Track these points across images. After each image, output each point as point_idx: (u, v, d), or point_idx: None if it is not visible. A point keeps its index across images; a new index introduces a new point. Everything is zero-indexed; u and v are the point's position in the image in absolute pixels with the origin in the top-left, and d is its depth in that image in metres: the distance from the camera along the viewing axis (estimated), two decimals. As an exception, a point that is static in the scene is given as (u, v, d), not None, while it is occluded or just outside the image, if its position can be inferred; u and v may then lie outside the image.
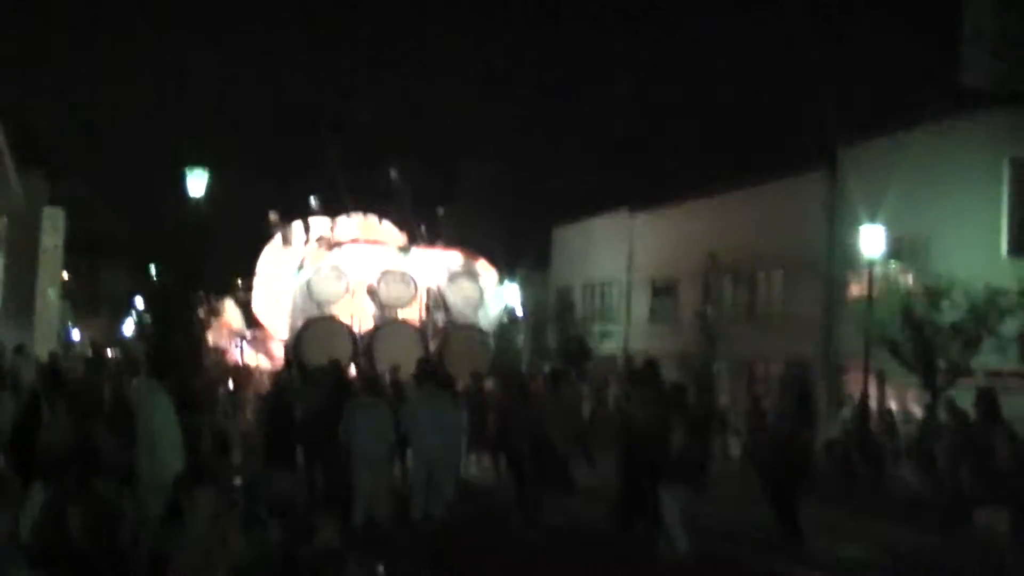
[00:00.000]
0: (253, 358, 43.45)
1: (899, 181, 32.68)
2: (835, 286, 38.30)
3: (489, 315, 35.19)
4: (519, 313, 51.81)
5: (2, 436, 15.56)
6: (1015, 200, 31.13)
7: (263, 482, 11.70)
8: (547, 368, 37.35)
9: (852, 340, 33.22)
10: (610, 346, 49.06)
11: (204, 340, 35.97)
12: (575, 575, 15.11)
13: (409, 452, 20.03)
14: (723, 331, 41.63)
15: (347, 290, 33.27)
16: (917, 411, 33.14)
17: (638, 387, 19.69)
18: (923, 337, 28.62)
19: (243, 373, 40.94)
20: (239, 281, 57.30)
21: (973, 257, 30.49)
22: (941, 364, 28.63)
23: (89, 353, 33.06)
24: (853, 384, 34.79)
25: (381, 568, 10.48)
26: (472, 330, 33.67)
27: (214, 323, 39.48)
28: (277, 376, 25.46)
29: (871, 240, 31.84)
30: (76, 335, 66.91)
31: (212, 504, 8.46)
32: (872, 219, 32.11)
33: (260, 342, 43.37)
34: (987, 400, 16.13)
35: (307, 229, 40.33)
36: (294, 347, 32.33)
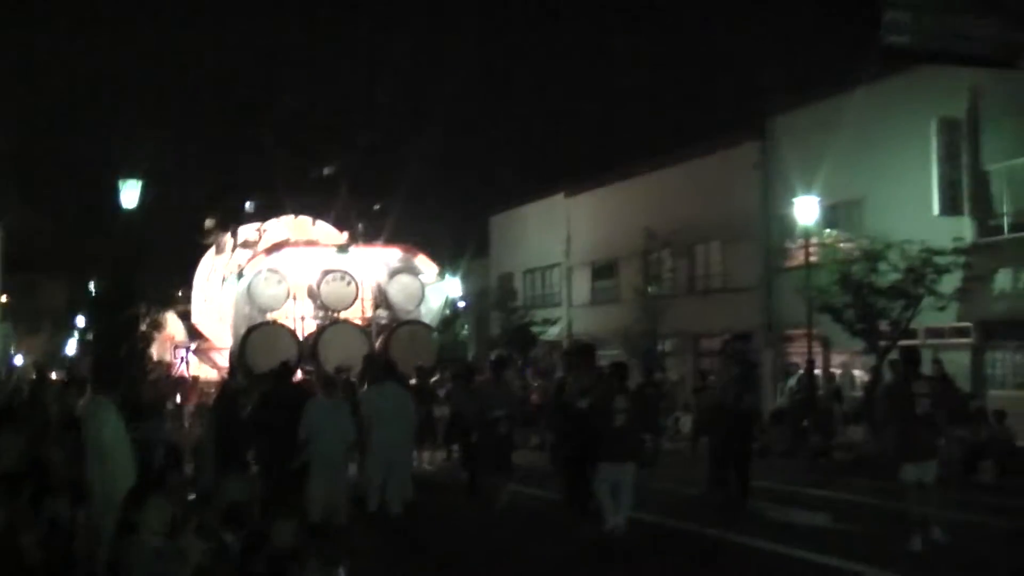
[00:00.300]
0: (197, 369, 43.31)
1: (831, 146, 32.92)
2: (774, 255, 38.54)
3: (432, 309, 35.20)
4: (462, 304, 51.89)
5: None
6: (945, 159, 31.38)
7: (217, 491, 11.62)
8: (492, 356, 37.50)
9: (794, 308, 33.44)
10: (554, 331, 49.13)
11: (148, 353, 35.75)
12: (521, 558, 15.11)
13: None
14: (665, 307, 41.78)
15: (288, 294, 33.17)
16: (861, 375, 33.59)
17: (573, 370, 19.96)
18: (863, 300, 28.83)
19: (188, 384, 40.81)
20: (179, 293, 57.10)
21: (907, 218, 30.78)
22: (883, 326, 28.87)
23: (33, 375, 32.82)
24: (798, 352, 35.05)
25: (342, 569, 10.46)
26: (415, 325, 33.67)
27: (156, 336, 39.25)
28: (224, 384, 25.33)
29: (805, 209, 32.05)
30: (19, 359, 66.33)
31: (167, 516, 8.42)
32: (806, 186, 32.31)
33: (204, 352, 43.22)
34: (907, 358, 16.45)
35: (234, 235, 40.25)
36: (239, 354, 32.20)
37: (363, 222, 40.83)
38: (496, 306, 50.88)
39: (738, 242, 40.40)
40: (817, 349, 32.98)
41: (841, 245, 32.14)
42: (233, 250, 39.15)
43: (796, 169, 34.12)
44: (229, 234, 40.64)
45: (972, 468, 23.12)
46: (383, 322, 34.10)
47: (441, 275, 36.32)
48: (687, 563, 14.81)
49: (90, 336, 38.04)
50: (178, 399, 38.78)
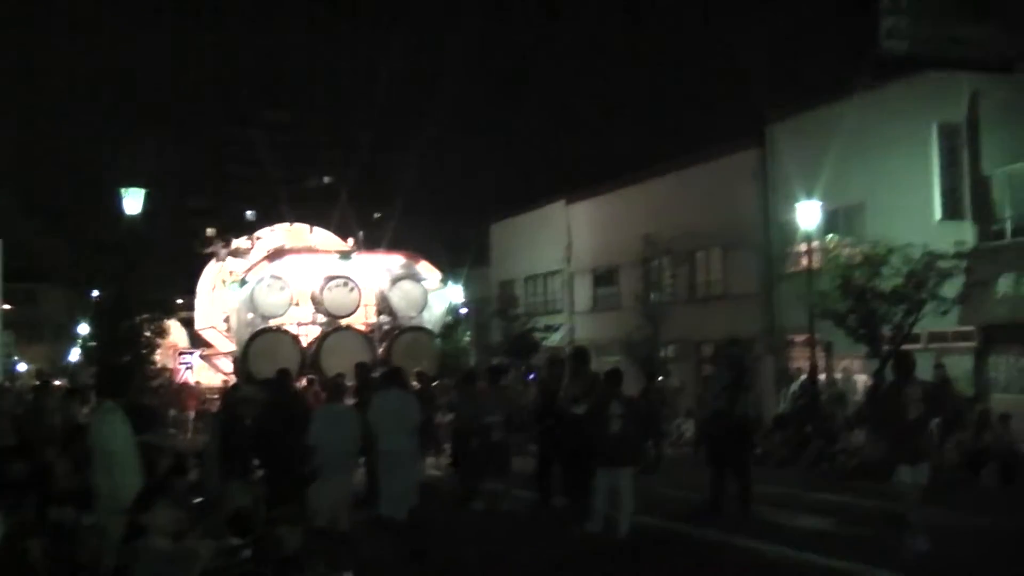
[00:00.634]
0: (200, 376, 43.31)
1: (831, 152, 32.91)
2: (774, 261, 38.46)
3: (434, 315, 35.16)
4: (463, 311, 51.85)
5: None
6: (945, 164, 31.36)
7: (221, 497, 11.57)
8: (494, 362, 37.45)
9: (796, 314, 33.40)
10: (556, 337, 49.07)
11: (152, 360, 35.76)
12: (520, 562, 15.18)
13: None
14: (666, 314, 41.75)
15: (291, 300, 33.15)
16: (864, 379, 33.51)
17: (571, 376, 20.15)
18: (865, 305, 28.75)
19: (191, 392, 40.81)
20: (180, 300, 57.11)
21: (907, 223, 30.69)
22: (885, 331, 28.79)
23: (35, 383, 32.80)
24: (800, 358, 35.01)
25: (348, 574, 10.42)
26: (418, 331, 33.64)
27: (160, 343, 39.27)
28: (228, 391, 25.28)
29: (806, 213, 31.99)
30: (22, 366, 66.29)
31: (174, 519, 8.36)
32: (806, 192, 32.25)
33: (207, 359, 43.19)
34: (900, 362, 16.45)
35: (227, 245, 40.26)
36: (241, 361, 32.17)
37: (364, 230, 40.85)
38: (497, 313, 50.83)
39: (739, 248, 40.35)
40: (819, 355, 32.88)
41: (842, 250, 32.07)
42: (222, 260, 39.21)
43: (796, 175, 34.10)
44: (230, 242, 40.65)
45: (975, 472, 23.04)
46: (386, 328, 34.08)
47: (443, 282, 36.28)
48: (689, 567, 14.81)
49: (92, 344, 37.99)
50: (180, 405, 38.85)
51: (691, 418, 32.82)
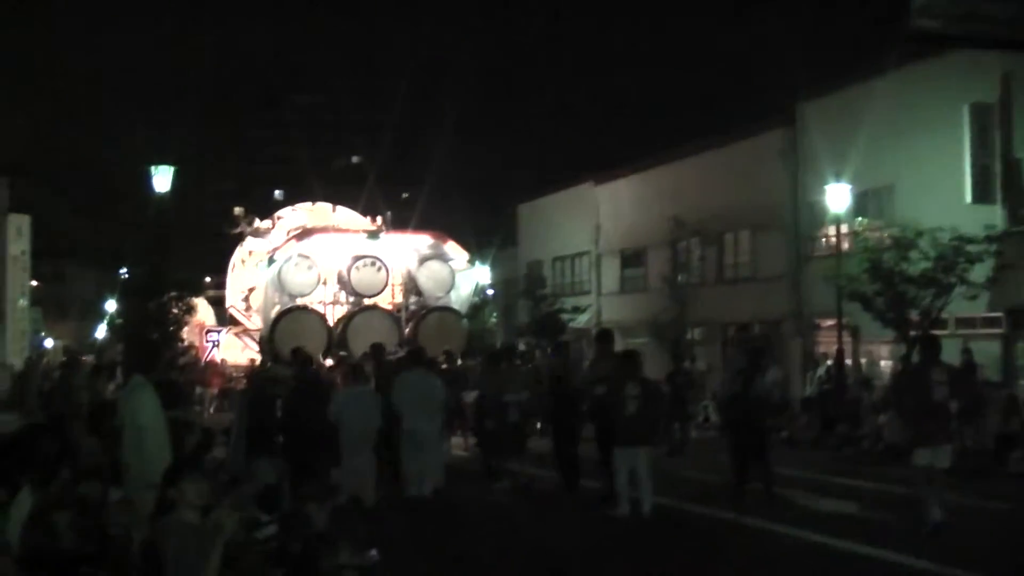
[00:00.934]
0: (226, 354, 43.47)
1: (860, 132, 32.73)
2: (803, 243, 38.36)
3: (461, 295, 35.25)
4: (490, 292, 51.88)
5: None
6: (977, 146, 31.11)
7: (248, 473, 11.69)
8: (521, 344, 37.51)
9: (824, 297, 33.31)
10: (583, 319, 49.09)
11: (180, 338, 35.90)
12: (543, 542, 15.29)
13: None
14: (694, 295, 41.72)
15: (318, 279, 33.28)
16: (887, 364, 33.47)
17: (595, 357, 20.31)
18: (893, 289, 28.68)
19: (216, 370, 40.99)
20: (208, 279, 57.30)
21: (938, 205, 30.53)
22: (913, 315, 28.72)
23: (62, 358, 33.03)
24: (827, 341, 34.95)
25: (373, 551, 10.49)
26: (445, 311, 33.73)
27: (188, 320, 39.42)
28: (255, 369, 25.43)
29: (835, 195, 31.89)
30: (49, 342, 66.67)
31: (202, 496, 8.46)
32: (835, 173, 32.16)
33: (238, 336, 43.36)
34: (926, 344, 16.50)
35: (250, 224, 40.47)
36: (268, 339, 32.31)
37: (391, 210, 40.94)
38: (524, 294, 50.83)
39: (767, 230, 40.23)
40: (847, 338, 32.80)
41: (871, 233, 31.96)
42: (242, 241, 39.63)
43: (825, 156, 34.02)
44: (252, 222, 40.90)
45: (1002, 459, 22.97)
46: (413, 308, 34.17)
47: (471, 262, 36.33)
48: (710, 549, 14.87)
49: (120, 321, 38.18)
50: (207, 382, 39.01)
51: (716, 401, 32.85)
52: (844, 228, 32.43)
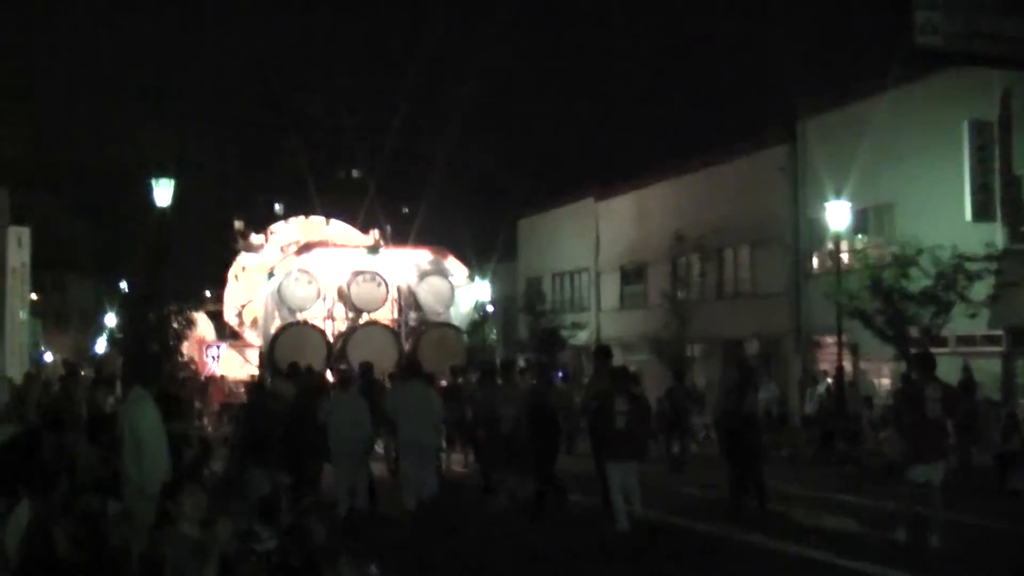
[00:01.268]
0: (226, 368, 43.48)
1: (861, 149, 32.77)
2: (803, 259, 38.38)
3: (461, 311, 35.22)
4: (490, 308, 51.86)
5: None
6: (977, 163, 31.14)
7: (249, 486, 11.69)
8: (521, 360, 37.49)
9: (824, 314, 33.29)
10: (583, 335, 49.06)
11: (179, 350, 35.87)
12: (536, 554, 15.40)
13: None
14: (694, 311, 41.69)
15: (318, 294, 33.27)
16: (886, 382, 33.45)
17: (594, 373, 20.48)
18: (894, 306, 28.68)
19: (217, 385, 40.98)
20: (207, 293, 57.26)
21: (938, 223, 30.55)
22: (913, 332, 28.71)
23: (62, 372, 32.98)
24: (827, 358, 34.93)
25: (373, 566, 10.50)
26: (445, 327, 33.70)
27: (189, 334, 39.43)
28: (255, 383, 25.40)
29: (836, 213, 31.87)
30: (48, 355, 66.60)
31: (201, 508, 8.47)
32: (836, 190, 32.14)
33: (238, 350, 43.36)
34: (920, 362, 16.68)
35: (245, 237, 40.56)
36: (268, 353, 32.26)
37: (392, 224, 40.97)
38: (524, 309, 50.83)
39: (767, 246, 40.25)
40: (847, 355, 32.76)
41: (871, 250, 31.96)
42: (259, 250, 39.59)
43: (826, 173, 34.01)
44: (248, 235, 41.01)
45: (1003, 477, 22.94)
46: (412, 324, 34.15)
47: (471, 277, 36.32)
48: (705, 564, 14.89)
49: (119, 334, 38.17)
50: (205, 395, 39.00)
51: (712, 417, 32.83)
52: (844, 245, 32.42)
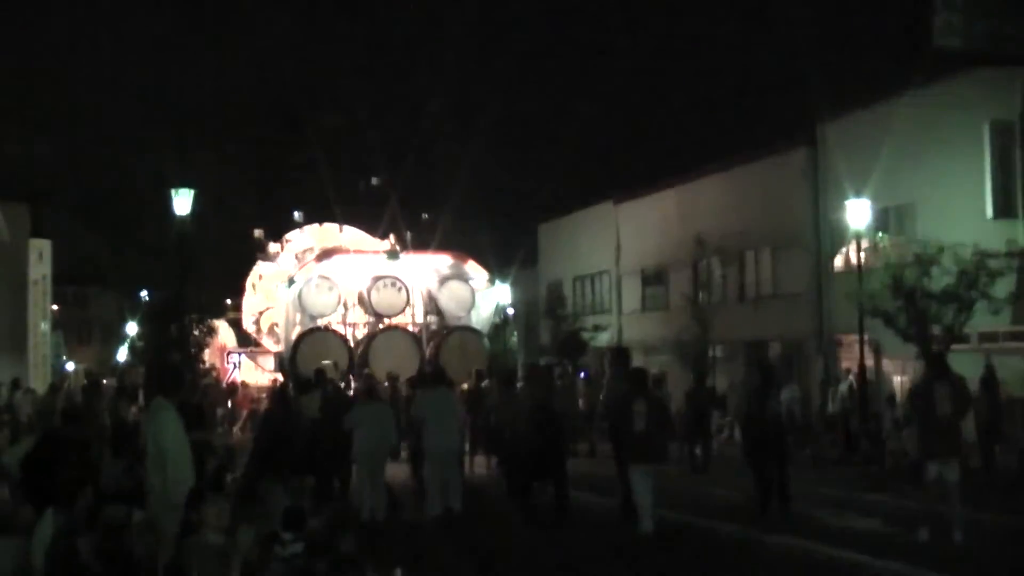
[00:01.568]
0: (247, 375, 43.60)
1: (882, 150, 32.64)
2: (824, 261, 38.28)
3: (482, 316, 35.26)
4: (511, 311, 51.84)
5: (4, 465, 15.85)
6: (997, 162, 31.11)
7: (268, 494, 11.72)
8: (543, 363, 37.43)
9: (845, 314, 33.21)
10: (604, 338, 48.96)
11: (201, 360, 36.02)
12: (560, 558, 15.39)
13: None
14: (715, 314, 41.57)
15: (339, 300, 33.33)
16: (903, 380, 33.34)
17: (610, 374, 20.57)
18: (916, 305, 28.57)
19: (238, 391, 41.09)
20: (228, 301, 57.46)
21: (959, 222, 30.49)
22: (936, 331, 28.61)
23: (84, 383, 33.12)
24: (849, 358, 34.83)
25: (398, 573, 10.50)
26: (466, 331, 33.72)
27: (210, 342, 39.63)
28: (275, 391, 25.47)
29: (857, 212, 31.78)
30: (70, 366, 66.90)
31: (224, 516, 8.50)
32: (857, 191, 32.05)
33: (254, 358, 43.49)
34: (931, 360, 16.74)
35: (261, 248, 40.79)
36: (290, 360, 32.34)
37: (412, 230, 41.03)
38: (545, 313, 50.80)
39: (788, 248, 40.16)
40: (869, 355, 32.66)
41: (892, 250, 31.85)
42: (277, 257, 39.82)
43: (847, 174, 33.90)
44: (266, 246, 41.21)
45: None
46: (433, 328, 34.19)
47: (491, 282, 36.31)
48: (730, 565, 14.89)
49: (141, 344, 38.32)
50: (229, 405, 39.06)
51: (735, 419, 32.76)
52: (865, 245, 32.32)
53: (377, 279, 33.47)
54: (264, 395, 36.23)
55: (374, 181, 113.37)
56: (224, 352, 46.17)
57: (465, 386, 26.63)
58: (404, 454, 23.64)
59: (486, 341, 34.53)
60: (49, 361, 55.17)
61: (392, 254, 34.91)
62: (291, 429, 18.11)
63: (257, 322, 42.18)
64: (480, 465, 25.93)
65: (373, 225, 45.43)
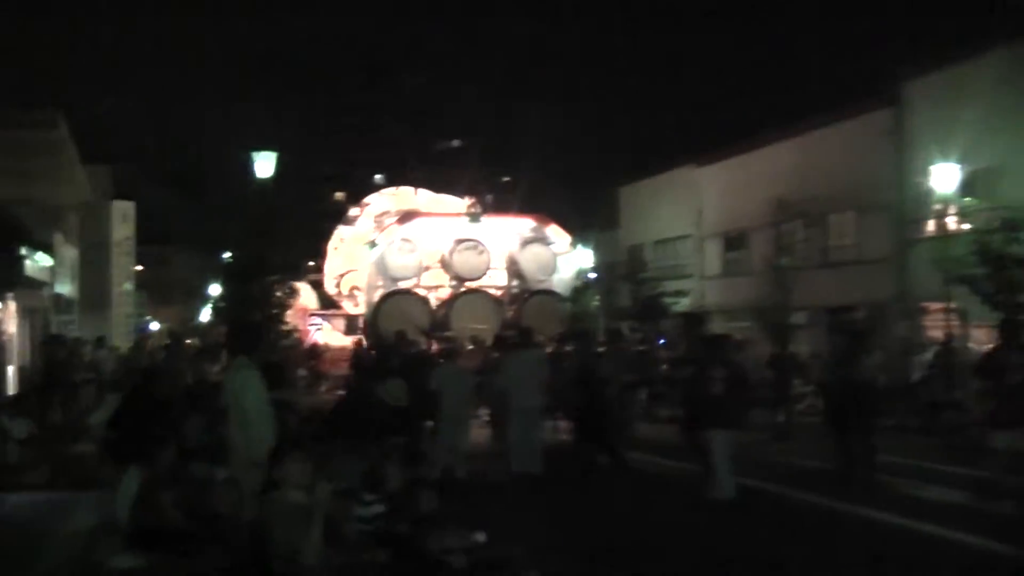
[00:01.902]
0: (329, 337, 43.89)
1: (967, 111, 32.20)
2: (908, 225, 37.83)
3: (563, 279, 35.27)
4: (592, 275, 51.76)
5: (91, 425, 16.14)
6: (1087, 124, 30.61)
7: (354, 454, 11.77)
8: (624, 328, 37.36)
9: (930, 280, 32.82)
10: (685, 302, 48.76)
11: (283, 321, 36.10)
12: (638, 522, 15.49)
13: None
14: (797, 279, 41.22)
15: (420, 263, 33.45)
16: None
17: (684, 341, 20.50)
18: (1002, 272, 28.19)
19: (319, 352, 41.36)
20: (310, 263, 57.87)
21: (1048, 186, 30.06)
22: (1023, 298, 28.23)
23: (166, 340, 33.48)
24: (933, 325, 34.48)
25: (480, 534, 10.52)
26: (546, 295, 33.76)
27: (291, 304, 39.89)
28: (358, 353, 25.64)
29: (942, 176, 31.39)
30: (154, 325, 67.69)
31: (306, 475, 8.56)
32: (942, 153, 31.65)
33: (335, 320, 43.76)
34: (1004, 327, 16.50)
35: (342, 211, 41.06)
36: (371, 322, 32.52)
37: (493, 193, 41.06)
38: (626, 277, 50.65)
39: (872, 212, 39.76)
40: (954, 322, 32.30)
41: (979, 214, 31.45)
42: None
43: (931, 135, 33.50)
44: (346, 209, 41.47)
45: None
46: (515, 291, 34.26)
47: (573, 245, 36.31)
48: (809, 535, 14.78)
49: (223, 304, 38.59)
50: (309, 364, 39.32)
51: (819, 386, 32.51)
52: (951, 209, 31.91)
53: (459, 242, 33.57)
54: (344, 358, 36.34)
55: (455, 143, 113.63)
56: (306, 314, 46.48)
57: (548, 350, 26.66)
58: (485, 416, 23.74)
59: (567, 304, 34.54)
60: (132, 320, 55.86)
61: (474, 217, 35.02)
62: (368, 414, 18.17)
63: (338, 285, 42.43)
64: (561, 430, 25.97)
65: (453, 188, 45.51)
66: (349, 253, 41.35)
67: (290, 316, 40.83)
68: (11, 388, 25.75)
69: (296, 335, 42.23)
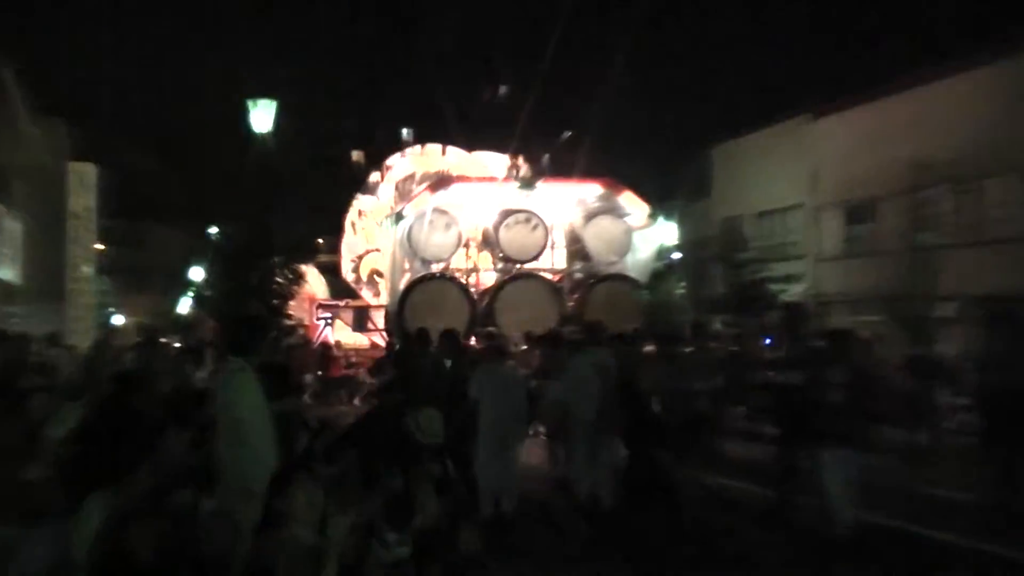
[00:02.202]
0: (342, 334, 43.87)
1: None
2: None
3: (639, 260, 35.12)
4: (677, 255, 51.67)
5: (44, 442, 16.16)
6: None
7: (376, 482, 11.75)
8: (717, 323, 37.24)
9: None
10: (795, 290, 48.63)
11: (285, 312, 35.96)
12: (725, 558, 15.72)
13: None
14: (941, 260, 40.96)
15: (459, 240, 33.36)
16: None
17: (787, 339, 20.31)
18: None
19: (331, 353, 41.35)
20: (320, 241, 57.95)
21: None
22: None
23: (136, 339, 33.54)
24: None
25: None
26: (617, 280, 33.62)
27: (296, 292, 39.93)
28: (383, 361, 25.60)
29: None
30: (118, 319, 67.92)
31: (317, 507, 8.53)
32: None
33: (350, 312, 43.77)
34: None
35: (361, 176, 41.10)
36: (397, 315, 32.41)
37: (550, 152, 40.83)
38: (719, 258, 50.55)
39: (1040, 177, 39.53)
40: None
41: None
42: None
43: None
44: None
45: None
46: (578, 276, 34.12)
47: (652, 218, 36.11)
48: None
49: (209, 293, 38.55)
50: (319, 371, 39.36)
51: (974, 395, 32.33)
52: None
53: (507, 214, 33.44)
54: (364, 365, 36.19)
55: (502, 90, 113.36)
56: (313, 304, 46.49)
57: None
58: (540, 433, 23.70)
59: (644, 292, 34.39)
60: (94, 312, 56.08)
61: (526, 182, 34.83)
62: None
63: (356, 268, 42.49)
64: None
65: (501, 146, 45.45)
66: (370, 229, 41.41)
67: (294, 307, 40.97)
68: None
69: (302, 330, 42.34)
